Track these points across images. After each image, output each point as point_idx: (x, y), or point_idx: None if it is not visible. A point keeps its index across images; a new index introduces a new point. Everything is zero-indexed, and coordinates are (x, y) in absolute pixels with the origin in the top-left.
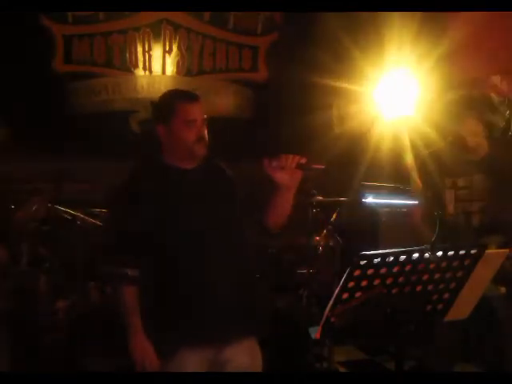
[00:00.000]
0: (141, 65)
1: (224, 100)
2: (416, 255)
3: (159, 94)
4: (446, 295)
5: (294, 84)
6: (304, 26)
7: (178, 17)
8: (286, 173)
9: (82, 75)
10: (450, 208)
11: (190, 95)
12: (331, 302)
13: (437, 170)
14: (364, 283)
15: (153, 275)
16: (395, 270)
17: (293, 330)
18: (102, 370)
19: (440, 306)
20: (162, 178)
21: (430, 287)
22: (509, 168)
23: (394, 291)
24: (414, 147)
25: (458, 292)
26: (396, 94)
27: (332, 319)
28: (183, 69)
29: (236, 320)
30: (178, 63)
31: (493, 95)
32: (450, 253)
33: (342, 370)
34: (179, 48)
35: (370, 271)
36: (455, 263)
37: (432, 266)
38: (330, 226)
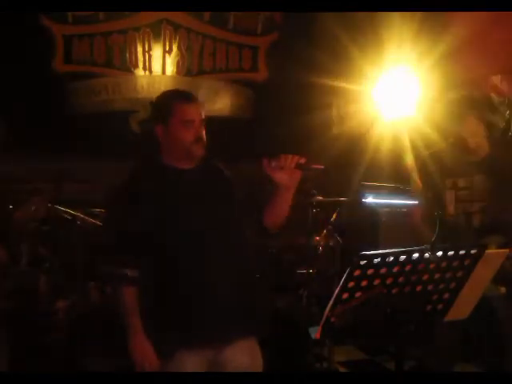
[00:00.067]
0: (141, 65)
1: (224, 100)
2: (416, 255)
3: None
4: (446, 295)
5: (294, 84)
6: (304, 26)
7: (178, 17)
8: (285, 173)
9: (82, 75)
10: (451, 208)
11: (188, 95)
12: (331, 302)
13: (437, 170)
14: (364, 283)
15: (152, 275)
16: (395, 269)
17: (293, 330)
18: (101, 370)
19: (440, 306)
20: (160, 179)
21: (429, 287)
22: (509, 168)
23: (394, 291)
24: (414, 147)
25: (457, 292)
26: (396, 94)
27: (332, 319)
28: (183, 69)
29: (236, 320)
30: (178, 63)
31: (493, 95)
32: (450, 253)
33: (342, 370)
34: (179, 48)
35: (370, 271)
36: (455, 263)
37: (432, 266)
38: (329, 226)
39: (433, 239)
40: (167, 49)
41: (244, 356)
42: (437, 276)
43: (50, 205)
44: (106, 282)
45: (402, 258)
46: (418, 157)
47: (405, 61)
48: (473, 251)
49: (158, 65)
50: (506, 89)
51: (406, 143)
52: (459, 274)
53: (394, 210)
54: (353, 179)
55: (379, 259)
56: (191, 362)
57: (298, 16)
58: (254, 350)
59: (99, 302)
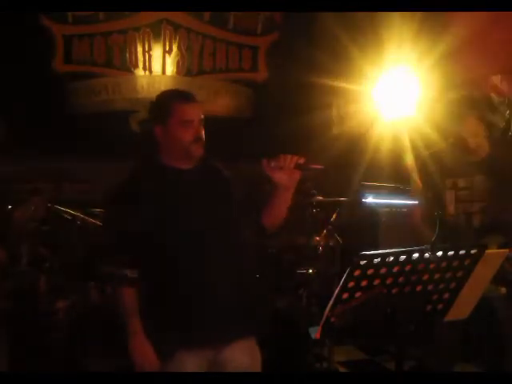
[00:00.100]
0: (141, 65)
1: (224, 100)
2: (416, 255)
3: None
4: (446, 295)
5: (294, 84)
6: (304, 26)
7: (178, 17)
8: (284, 173)
9: (82, 75)
10: (451, 208)
11: (187, 95)
12: (331, 302)
13: (437, 170)
14: (364, 283)
15: (152, 275)
16: (395, 269)
17: (293, 330)
18: (101, 370)
19: (440, 306)
20: (159, 179)
21: (430, 287)
22: (509, 168)
23: (394, 291)
24: (414, 147)
25: (457, 292)
26: (396, 94)
27: (332, 319)
28: (183, 69)
29: (235, 320)
30: (178, 63)
31: (493, 95)
32: (450, 253)
33: (342, 370)
34: (179, 48)
35: (370, 271)
36: (455, 263)
37: (432, 266)
38: (329, 226)
39: (433, 239)
40: (167, 49)
41: (244, 356)
42: (437, 276)
43: (49, 205)
44: (106, 282)
45: (402, 257)
46: (417, 157)
47: (405, 61)
48: (473, 251)
49: (158, 65)
50: (506, 89)
51: (406, 143)
52: (459, 273)
53: (393, 210)
54: (353, 179)
55: (379, 259)
56: (191, 362)
57: (298, 16)
58: (254, 349)
59: (99, 302)
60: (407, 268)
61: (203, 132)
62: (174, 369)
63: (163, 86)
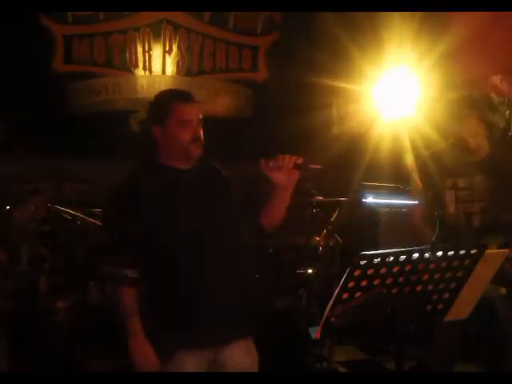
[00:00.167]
0: (141, 65)
1: (224, 100)
2: (416, 255)
3: None
4: (446, 295)
5: (294, 84)
6: (304, 26)
7: (178, 17)
8: (282, 173)
9: (82, 75)
10: (451, 208)
11: (185, 95)
12: (331, 302)
13: (437, 170)
14: (364, 283)
15: (151, 276)
16: (395, 269)
17: (293, 330)
18: (101, 370)
19: (440, 306)
20: (159, 179)
21: (430, 287)
22: (509, 168)
23: (394, 291)
24: (414, 147)
25: (458, 292)
26: (396, 94)
27: (332, 319)
28: (183, 69)
29: (235, 320)
30: (178, 63)
31: (493, 95)
32: (450, 253)
33: (342, 370)
34: (179, 48)
35: (370, 271)
36: (455, 263)
37: (432, 266)
38: (329, 226)
39: (433, 239)
40: (167, 49)
41: (243, 356)
42: (437, 276)
43: (49, 205)
44: (106, 282)
45: (402, 258)
46: (418, 157)
47: (405, 61)
48: (473, 251)
49: (158, 65)
50: (506, 89)
51: (406, 143)
52: (459, 273)
53: (394, 210)
54: (353, 179)
55: (379, 259)
56: (191, 363)
57: (298, 16)
58: (252, 349)
59: (99, 302)
60: (407, 268)
61: (202, 132)
62: (174, 369)
63: (163, 85)
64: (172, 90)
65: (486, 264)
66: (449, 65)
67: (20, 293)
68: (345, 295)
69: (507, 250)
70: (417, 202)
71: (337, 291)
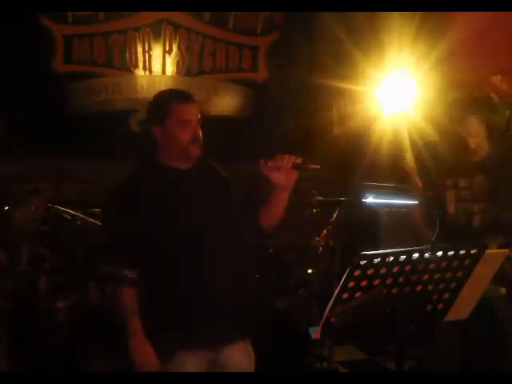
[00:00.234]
0: (141, 65)
1: (224, 100)
2: (416, 255)
3: None
4: (446, 295)
5: (294, 84)
6: (304, 26)
7: (178, 17)
8: (281, 173)
9: (82, 75)
10: (451, 208)
11: (185, 95)
12: (331, 302)
13: (437, 170)
14: (364, 283)
15: (151, 276)
16: (395, 269)
17: (293, 330)
18: (101, 370)
19: (440, 306)
20: (159, 179)
21: (430, 287)
22: (509, 169)
23: (394, 291)
24: (414, 147)
25: (458, 292)
26: (397, 94)
27: (332, 319)
28: (183, 69)
29: (235, 320)
30: (178, 63)
31: (493, 95)
32: (450, 253)
33: (342, 370)
34: (179, 48)
35: (370, 271)
36: (455, 263)
37: (432, 266)
38: (329, 226)
39: (433, 239)
40: (167, 49)
41: (242, 356)
42: (437, 276)
43: (49, 205)
44: (106, 282)
45: (402, 258)
46: (418, 157)
47: (406, 61)
48: (473, 251)
49: (158, 65)
50: (506, 89)
51: (407, 143)
52: (459, 273)
53: (394, 210)
54: (353, 179)
55: (379, 259)
56: (191, 363)
57: (298, 16)
58: (250, 350)
59: (99, 302)
60: (407, 268)
61: (201, 132)
62: (174, 369)
63: (163, 85)
64: (171, 89)
65: (486, 264)
66: (449, 65)
67: (20, 293)
68: (345, 295)
69: (507, 250)
70: (417, 202)
71: (337, 291)
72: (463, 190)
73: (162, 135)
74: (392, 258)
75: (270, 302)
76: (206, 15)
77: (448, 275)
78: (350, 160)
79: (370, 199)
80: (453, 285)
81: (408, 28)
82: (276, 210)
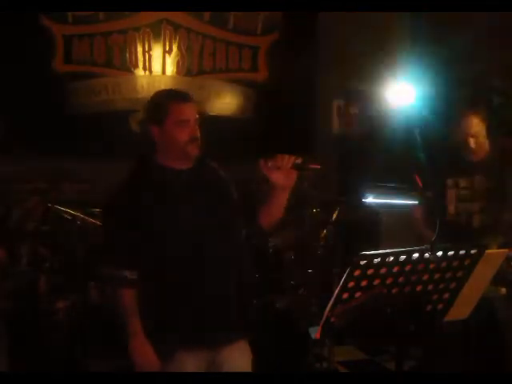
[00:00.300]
0: (141, 65)
1: (224, 100)
2: (416, 255)
3: None
4: (446, 295)
5: (294, 84)
6: (304, 26)
7: (178, 17)
8: (281, 173)
9: (82, 75)
10: (451, 208)
11: (183, 95)
12: (331, 302)
13: (438, 170)
14: (364, 283)
15: (151, 276)
16: (395, 269)
17: (293, 330)
18: (101, 370)
19: (440, 306)
20: (157, 179)
21: (430, 287)
22: (509, 169)
23: (393, 291)
24: (415, 147)
25: (458, 292)
26: (397, 94)
27: (332, 319)
28: (183, 69)
29: (234, 321)
30: (178, 63)
31: (493, 95)
32: (450, 253)
33: (342, 370)
34: (179, 48)
35: (370, 271)
36: (455, 263)
37: (432, 266)
38: (330, 226)
39: (433, 239)
40: (167, 49)
41: (241, 357)
42: (437, 276)
43: (49, 205)
44: (106, 283)
45: (402, 258)
46: (418, 157)
47: (406, 61)
48: (473, 251)
49: (158, 65)
50: (506, 89)
51: (407, 143)
52: (459, 273)
53: (394, 210)
54: (353, 179)
55: (379, 259)
56: (190, 363)
57: (298, 16)
58: (248, 351)
59: (99, 302)
60: (407, 268)
61: (199, 132)
62: (174, 369)
63: (163, 85)
64: (169, 89)
65: (486, 264)
66: (450, 66)
67: (20, 293)
68: (345, 295)
69: (507, 250)
70: (417, 202)
71: (337, 291)
72: (463, 189)
73: (160, 135)
74: (392, 258)
75: (270, 301)
76: (206, 15)
77: (448, 275)
78: (351, 160)
79: (370, 199)
80: (453, 285)
81: (407, 28)
82: (276, 210)
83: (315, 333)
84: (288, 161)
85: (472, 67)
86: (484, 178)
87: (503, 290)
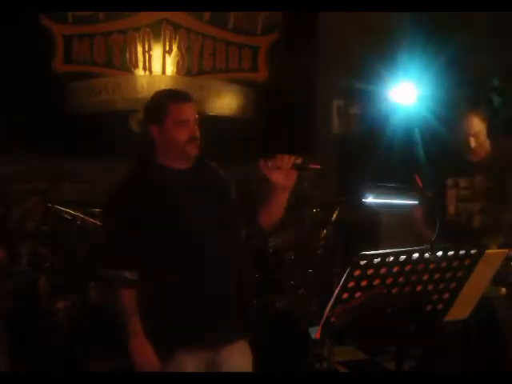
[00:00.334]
0: (141, 65)
1: (224, 100)
2: (416, 255)
3: None
4: (446, 295)
5: (294, 84)
6: (304, 26)
7: (178, 17)
8: (281, 173)
9: (82, 75)
10: (451, 208)
11: (182, 95)
12: (331, 302)
13: (438, 170)
14: (364, 283)
15: (151, 276)
16: (395, 269)
17: (293, 330)
18: (101, 370)
19: (440, 306)
20: (157, 179)
21: (430, 287)
22: (509, 169)
23: (393, 291)
24: (415, 147)
25: (458, 292)
26: (397, 94)
27: (332, 319)
28: (183, 69)
29: (234, 321)
30: (178, 63)
31: (493, 95)
32: (450, 253)
33: (342, 370)
34: (179, 48)
35: (370, 271)
36: (455, 263)
37: (432, 266)
38: (329, 226)
39: (433, 239)
40: (167, 49)
41: (241, 357)
42: (437, 276)
43: (49, 205)
44: (106, 283)
45: (402, 257)
46: (418, 156)
47: (406, 61)
48: (473, 251)
49: (158, 65)
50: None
51: (407, 143)
52: (459, 273)
53: (394, 210)
54: (353, 179)
55: (379, 259)
56: (190, 363)
57: (298, 16)
58: (248, 351)
59: (99, 302)
60: (407, 268)
61: (198, 132)
62: (174, 369)
63: (163, 85)
64: (169, 89)
65: (486, 264)
66: (451, 66)
67: (20, 293)
68: (345, 295)
69: (507, 250)
70: (417, 202)
71: (337, 291)
72: (464, 189)
73: (160, 135)
74: (392, 258)
75: (270, 301)
76: (206, 15)
77: (448, 275)
78: (351, 160)
79: (370, 199)
80: (453, 285)
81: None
82: (276, 210)
83: (315, 333)
84: (288, 161)
85: (472, 67)
86: (484, 177)
87: (503, 290)
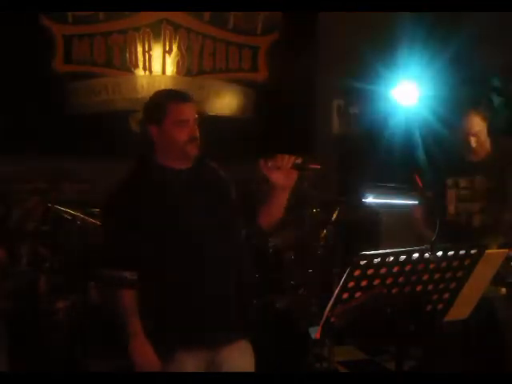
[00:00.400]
0: (141, 65)
1: (224, 100)
2: (416, 255)
3: None
4: (446, 295)
5: (294, 84)
6: (304, 26)
7: (178, 17)
8: (281, 173)
9: (82, 75)
10: (451, 208)
11: (182, 95)
12: (331, 302)
13: (438, 169)
14: (364, 283)
15: (151, 276)
16: (395, 269)
17: (293, 330)
18: (101, 370)
19: (440, 306)
20: (156, 179)
21: (430, 287)
22: (509, 169)
23: (393, 291)
24: (415, 147)
25: (458, 292)
26: (397, 94)
27: (332, 319)
28: (183, 69)
29: (234, 321)
30: (178, 63)
31: (494, 95)
32: (450, 253)
33: (342, 370)
34: (179, 48)
35: (370, 271)
36: (455, 263)
37: (432, 266)
38: (329, 226)
39: (433, 239)
40: (167, 49)
41: (242, 357)
42: (437, 276)
43: (49, 205)
44: (106, 284)
45: (402, 257)
46: (419, 156)
47: (406, 61)
48: (473, 251)
49: (158, 65)
50: (507, 89)
51: (407, 143)
52: (459, 273)
53: (394, 210)
54: (353, 179)
55: (379, 259)
56: (190, 363)
57: (298, 16)
58: (250, 350)
59: (99, 302)
60: (407, 268)
61: (198, 132)
62: (174, 369)
63: (163, 86)
64: (168, 89)
65: (486, 264)
66: (451, 66)
67: (20, 293)
68: (345, 295)
69: (507, 250)
70: (417, 202)
71: (337, 291)
72: (464, 189)
73: (159, 135)
74: (392, 258)
75: (270, 301)
76: (206, 15)
77: (448, 275)
78: (351, 160)
79: (370, 199)
80: (453, 285)
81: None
82: (276, 210)
83: (315, 333)
84: (288, 161)
85: (472, 67)
86: (484, 178)
87: (503, 290)
